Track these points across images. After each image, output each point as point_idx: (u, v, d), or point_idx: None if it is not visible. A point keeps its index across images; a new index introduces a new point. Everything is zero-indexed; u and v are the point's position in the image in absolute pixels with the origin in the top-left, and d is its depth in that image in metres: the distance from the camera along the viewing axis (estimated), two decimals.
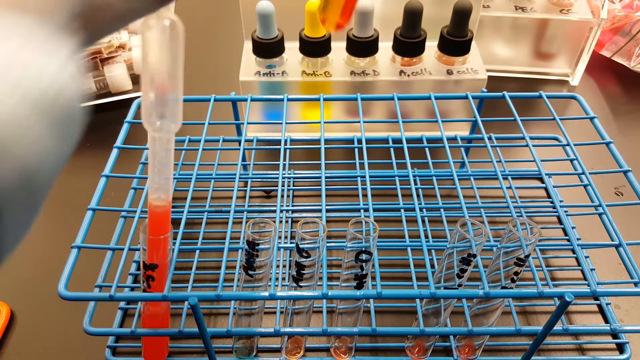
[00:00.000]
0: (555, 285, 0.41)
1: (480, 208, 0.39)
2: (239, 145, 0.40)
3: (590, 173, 0.39)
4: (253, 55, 0.51)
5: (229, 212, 0.36)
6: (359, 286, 0.30)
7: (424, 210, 0.45)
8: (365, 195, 0.36)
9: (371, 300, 0.36)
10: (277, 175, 0.48)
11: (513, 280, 0.30)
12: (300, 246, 0.29)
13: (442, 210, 0.41)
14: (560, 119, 0.41)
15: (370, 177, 0.37)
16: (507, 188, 0.43)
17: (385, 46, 0.52)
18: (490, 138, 0.43)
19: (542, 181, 0.50)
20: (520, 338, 0.38)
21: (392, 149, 0.46)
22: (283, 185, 0.45)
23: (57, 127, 0.18)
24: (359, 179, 0.40)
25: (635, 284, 0.34)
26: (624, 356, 0.37)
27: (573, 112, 0.58)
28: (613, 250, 0.37)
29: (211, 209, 0.44)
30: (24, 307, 0.40)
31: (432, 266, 0.40)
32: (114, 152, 0.39)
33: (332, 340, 0.36)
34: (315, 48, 0.50)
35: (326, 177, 0.36)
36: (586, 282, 0.41)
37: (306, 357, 0.36)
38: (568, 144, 0.41)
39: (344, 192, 0.49)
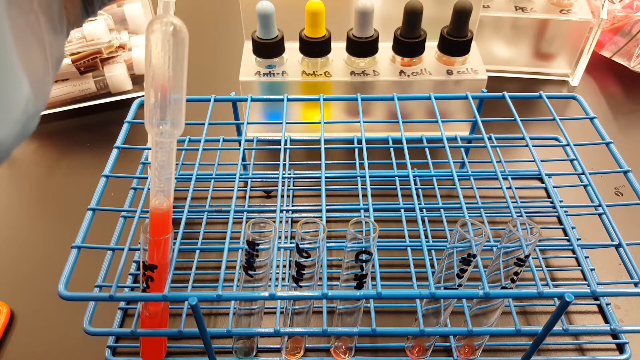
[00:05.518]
0: (555, 286, 0.41)
1: (480, 208, 0.39)
2: (239, 145, 0.40)
3: (590, 173, 0.39)
4: (253, 56, 0.51)
5: (229, 212, 0.36)
6: (359, 286, 0.30)
7: (424, 210, 0.45)
8: (365, 196, 0.36)
9: (371, 300, 0.36)
10: (277, 176, 0.48)
11: (513, 281, 0.30)
12: (300, 246, 0.29)
13: (442, 210, 0.41)
14: (560, 119, 0.41)
15: (370, 177, 0.37)
16: (507, 188, 0.44)
17: (385, 46, 0.52)
18: (490, 138, 0.43)
19: (542, 181, 0.50)
20: (520, 338, 0.38)
21: (392, 149, 0.46)
22: (283, 186, 0.45)
23: None
24: (359, 179, 0.40)
25: (635, 284, 0.34)
26: (624, 356, 0.37)
27: (573, 112, 0.58)
28: (613, 251, 0.37)
29: (211, 209, 0.44)
30: (24, 307, 0.40)
31: (432, 266, 0.40)
32: (114, 152, 0.39)
33: (332, 340, 0.36)
34: (315, 48, 0.50)
35: (326, 177, 0.36)
36: (586, 282, 0.41)
37: (306, 357, 0.37)
38: (568, 144, 0.41)
39: (344, 192, 0.49)
